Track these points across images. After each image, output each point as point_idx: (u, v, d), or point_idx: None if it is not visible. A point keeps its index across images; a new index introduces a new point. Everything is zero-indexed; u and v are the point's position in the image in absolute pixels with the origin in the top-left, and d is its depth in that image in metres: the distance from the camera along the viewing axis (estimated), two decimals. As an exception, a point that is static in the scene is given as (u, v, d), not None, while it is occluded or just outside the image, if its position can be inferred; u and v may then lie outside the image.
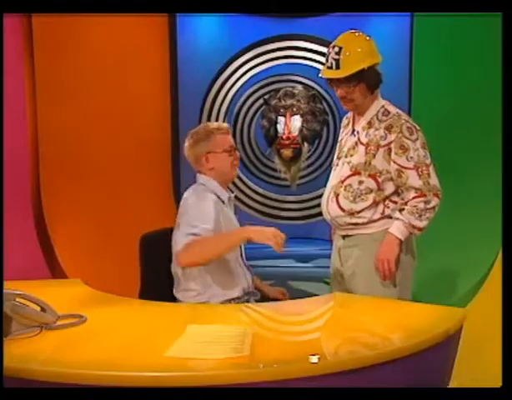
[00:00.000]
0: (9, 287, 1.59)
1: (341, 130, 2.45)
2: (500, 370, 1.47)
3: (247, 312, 1.99)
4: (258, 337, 1.58)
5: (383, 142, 2.17)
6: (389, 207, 2.24)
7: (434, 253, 3.71)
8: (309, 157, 5.76)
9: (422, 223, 2.18)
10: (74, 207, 3.69)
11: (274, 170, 5.74)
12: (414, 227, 2.17)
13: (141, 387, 1.32)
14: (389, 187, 2.22)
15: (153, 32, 4.65)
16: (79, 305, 1.90)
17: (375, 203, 2.22)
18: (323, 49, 5.55)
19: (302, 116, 5.42)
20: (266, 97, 5.66)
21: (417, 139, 2.16)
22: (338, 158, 2.33)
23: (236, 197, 2.73)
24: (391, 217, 2.23)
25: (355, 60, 2.14)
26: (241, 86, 5.54)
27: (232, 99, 5.54)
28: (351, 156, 2.24)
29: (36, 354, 1.47)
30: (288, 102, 5.44)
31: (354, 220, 2.25)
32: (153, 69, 4.63)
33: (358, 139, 2.24)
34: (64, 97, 3.70)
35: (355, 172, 2.21)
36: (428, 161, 2.17)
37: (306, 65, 5.55)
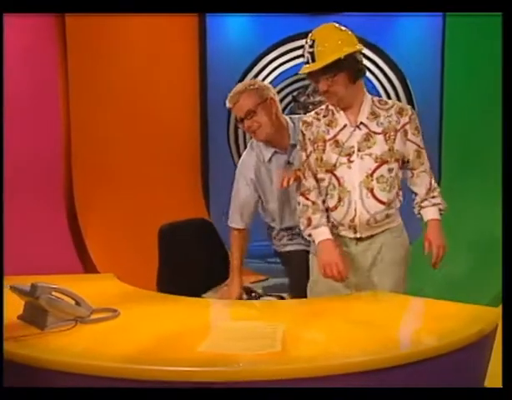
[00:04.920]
0: (44, 281, 1.62)
1: (316, 130, 2.21)
2: (500, 370, 1.44)
3: (279, 309, 1.99)
4: (290, 333, 1.58)
5: (398, 126, 2.17)
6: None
7: (467, 253, 3.66)
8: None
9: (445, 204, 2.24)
10: (106, 203, 3.74)
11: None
12: (444, 210, 2.23)
13: (173, 382, 1.34)
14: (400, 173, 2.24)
15: (184, 33, 4.68)
16: (112, 299, 1.93)
17: (399, 189, 2.23)
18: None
19: (330, 112, 5.42)
20: (295, 93, 5.64)
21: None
22: (349, 155, 2.15)
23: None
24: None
25: (330, 51, 2.06)
26: (270, 83, 5.53)
27: (261, 96, 5.53)
28: (369, 148, 2.14)
29: (71, 347, 1.50)
30: (317, 98, 5.41)
31: (390, 211, 2.19)
32: (184, 68, 4.66)
33: (370, 130, 2.15)
34: (96, 96, 3.75)
35: (382, 162, 2.14)
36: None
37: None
